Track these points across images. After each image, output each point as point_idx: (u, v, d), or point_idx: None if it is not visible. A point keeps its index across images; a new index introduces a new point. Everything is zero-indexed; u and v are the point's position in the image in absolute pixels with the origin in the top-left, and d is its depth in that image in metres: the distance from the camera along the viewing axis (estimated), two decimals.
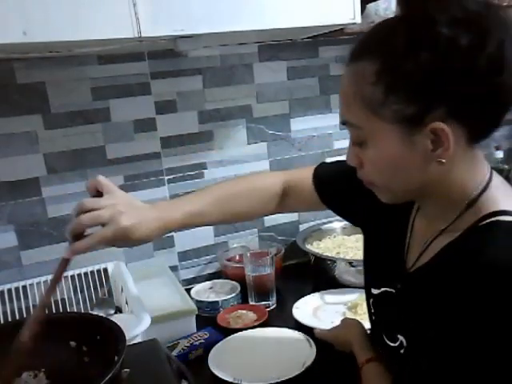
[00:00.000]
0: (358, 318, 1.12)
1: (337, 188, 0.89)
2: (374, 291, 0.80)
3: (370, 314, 0.84)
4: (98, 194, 0.75)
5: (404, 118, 0.59)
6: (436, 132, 0.58)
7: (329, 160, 1.53)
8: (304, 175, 0.93)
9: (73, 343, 0.79)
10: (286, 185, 0.93)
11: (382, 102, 0.59)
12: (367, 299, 0.84)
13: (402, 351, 0.69)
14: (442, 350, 0.59)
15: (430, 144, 0.60)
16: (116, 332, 0.73)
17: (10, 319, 1.20)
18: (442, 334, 0.59)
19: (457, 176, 0.63)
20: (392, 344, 0.72)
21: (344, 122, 0.66)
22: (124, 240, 0.73)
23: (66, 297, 1.26)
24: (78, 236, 0.72)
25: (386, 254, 0.78)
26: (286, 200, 0.93)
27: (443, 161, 0.61)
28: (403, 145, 0.61)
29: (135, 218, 0.73)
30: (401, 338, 0.69)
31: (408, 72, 0.57)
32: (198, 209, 0.82)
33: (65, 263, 0.74)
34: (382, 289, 0.77)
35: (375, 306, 0.81)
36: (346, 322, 0.96)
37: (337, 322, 1.09)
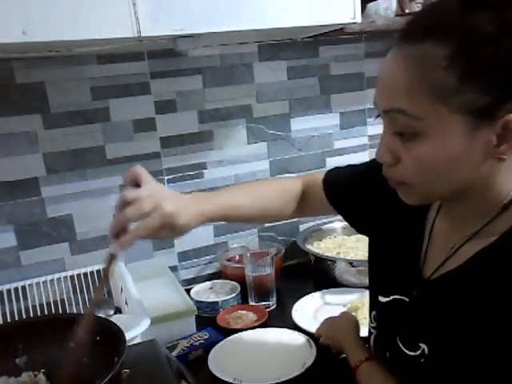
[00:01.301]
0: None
1: (346, 192, 0.87)
2: (382, 299, 0.76)
3: (375, 322, 0.79)
4: (136, 185, 0.74)
5: (475, 109, 0.53)
6: (508, 126, 0.54)
7: (329, 160, 1.56)
8: (317, 179, 0.92)
9: (72, 344, 0.79)
10: (304, 187, 0.93)
11: (454, 91, 0.53)
12: (372, 307, 0.80)
13: (422, 360, 0.64)
14: (474, 357, 0.57)
15: (495, 139, 0.55)
16: (116, 332, 0.73)
17: (9, 320, 1.19)
18: (477, 342, 0.57)
19: (502, 175, 0.59)
20: (411, 353, 0.66)
21: (385, 111, 0.59)
22: (170, 226, 0.72)
23: (65, 297, 1.26)
24: (121, 231, 0.71)
25: (397, 260, 0.74)
26: (303, 203, 0.93)
27: (504, 157, 0.56)
28: (465, 139, 0.55)
29: (177, 204, 0.72)
30: (423, 346, 0.64)
31: (489, 58, 0.52)
32: (233, 204, 0.83)
33: (112, 259, 0.72)
34: (392, 296, 0.73)
35: (383, 314, 0.77)
36: (342, 316, 0.96)
37: None
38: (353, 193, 0.85)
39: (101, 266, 1.27)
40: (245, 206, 0.85)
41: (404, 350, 0.68)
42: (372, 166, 0.82)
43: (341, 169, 0.92)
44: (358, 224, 0.90)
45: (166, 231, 0.73)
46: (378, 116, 0.63)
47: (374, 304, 0.80)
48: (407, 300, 0.70)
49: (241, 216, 0.86)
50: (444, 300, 0.64)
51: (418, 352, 0.65)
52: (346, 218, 0.91)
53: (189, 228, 0.75)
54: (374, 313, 0.79)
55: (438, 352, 0.62)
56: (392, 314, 0.73)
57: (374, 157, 1.60)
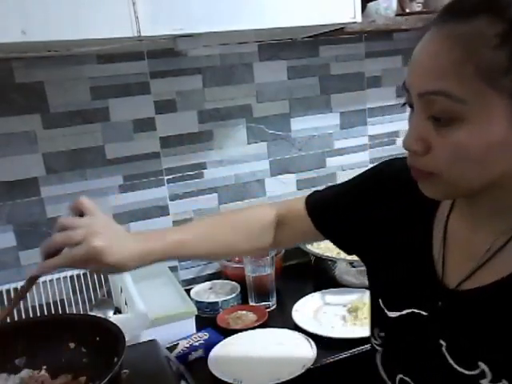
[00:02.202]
0: (358, 322, 1.12)
1: (333, 214, 0.81)
2: (392, 314, 0.69)
3: (380, 339, 0.73)
4: (81, 214, 0.72)
5: None
6: None
7: (329, 160, 1.56)
8: (296, 205, 0.85)
9: (72, 344, 0.79)
10: (279, 215, 0.86)
11: (505, 71, 0.50)
12: (376, 324, 0.74)
13: (483, 382, 0.57)
14: None
15: None
16: (115, 333, 0.73)
17: (8, 320, 1.19)
18: None
19: None
20: (466, 372, 0.59)
21: (423, 94, 0.54)
22: (96, 262, 0.67)
23: (64, 297, 1.26)
24: (53, 254, 0.69)
25: (408, 271, 0.69)
26: (280, 232, 0.85)
27: None
28: (508, 126, 0.51)
29: (109, 241, 0.67)
30: (482, 366, 0.57)
31: None
32: (183, 238, 0.77)
33: (33, 281, 0.71)
34: (406, 310, 0.67)
35: (394, 330, 0.70)
36: None
37: (337, 327, 1.09)
38: (339, 211, 0.80)
39: None
40: (200, 241, 0.79)
41: (457, 367, 0.60)
42: (357, 184, 0.80)
43: (323, 192, 0.86)
44: (349, 246, 0.84)
45: (92, 265, 0.69)
46: (404, 104, 0.59)
47: (378, 320, 0.74)
48: (425, 314, 0.65)
49: (196, 253, 0.81)
50: (488, 314, 0.58)
51: (477, 371, 0.58)
52: (334, 242, 0.85)
53: (126, 267, 0.70)
54: (377, 330, 0.73)
55: (501, 371, 0.56)
56: (407, 330, 0.67)
57: (373, 157, 1.60)
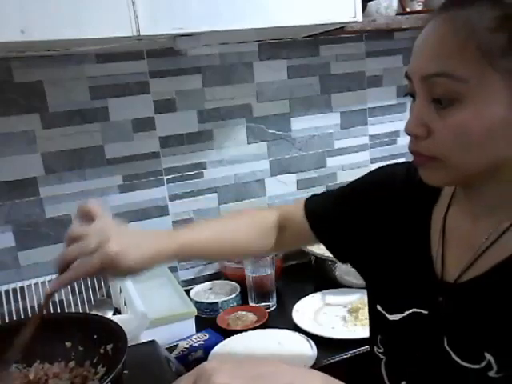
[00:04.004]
0: (358, 322, 1.12)
1: (331, 221, 0.82)
2: (394, 317, 0.69)
3: (383, 346, 0.71)
4: (89, 219, 0.70)
5: None
6: None
7: (329, 160, 1.55)
8: (296, 210, 0.86)
9: (68, 344, 0.79)
10: (281, 218, 0.87)
11: (503, 52, 0.52)
12: (377, 331, 0.73)
13: (490, 373, 0.56)
14: None
15: None
16: (117, 333, 0.72)
17: (7, 320, 1.19)
18: None
19: None
20: (472, 366, 0.58)
21: (426, 77, 0.56)
22: (113, 268, 0.66)
23: (64, 298, 1.26)
24: (67, 266, 0.67)
25: (406, 271, 0.69)
26: (283, 235, 0.86)
27: None
28: (508, 107, 0.53)
29: (124, 244, 0.66)
30: (488, 356, 0.56)
31: None
32: (195, 239, 0.76)
33: (49, 298, 0.70)
34: (408, 311, 0.67)
35: (397, 334, 0.69)
36: None
37: (337, 327, 1.08)
38: (340, 219, 0.80)
39: None
40: (211, 243, 0.79)
41: (461, 361, 0.60)
42: (354, 190, 0.81)
43: (320, 196, 0.87)
44: (344, 254, 0.85)
45: (109, 272, 0.68)
46: (406, 94, 0.61)
47: (379, 327, 0.73)
48: (426, 312, 0.65)
49: (207, 254, 0.82)
50: (490, 301, 0.58)
51: (483, 364, 0.57)
52: (329, 248, 0.85)
53: (139, 270, 0.69)
54: (379, 337, 0.72)
55: (506, 361, 0.56)
56: (410, 331, 0.67)
57: (374, 156, 1.60)
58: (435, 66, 0.55)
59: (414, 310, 0.66)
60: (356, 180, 0.83)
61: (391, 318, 0.69)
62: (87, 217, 0.70)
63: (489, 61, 0.52)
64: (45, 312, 0.71)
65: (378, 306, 0.72)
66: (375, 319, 0.74)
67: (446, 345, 0.61)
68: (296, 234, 0.87)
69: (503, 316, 0.56)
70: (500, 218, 0.59)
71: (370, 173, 0.82)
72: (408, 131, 0.59)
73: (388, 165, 0.81)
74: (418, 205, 0.70)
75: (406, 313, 0.67)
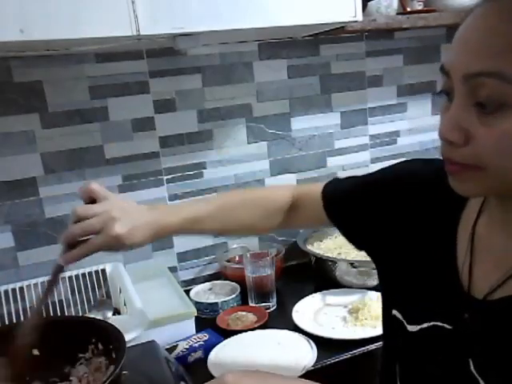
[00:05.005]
0: (358, 323, 1.12)
1: (347, 206, 0.78)
2: (412, 328, 0.63)
3: (399, 353, 0.67)
4: (92, 200, 0.73)
5: None
6: None
7: (329, 159, 1.55)
8: (314, 190, 0.83)
9: (70, 345, 0.78)
10: (294, 199, 0.85)
11: None
12: (393, 338, 0.68)
13: None
14: None
15: None
16: (115, 334, 0.72)
17: (6, 321, 1.18)
18: None
19: None
20: None
21: (469, 76, 0.48)
22: (118, 246, 0.70)
23: (63, 298, 1.25)
24: (73, 243, 0.70)
25: (429, 280, 0.63)
26: (292, 214, 0.85)
27: None
28: None
29: (129, 224, 0.69)
30: None
31: None
32: (198, 214, 0.78)
33: (59, 269, 0.72)
34: (428, 324, 0.61)
35: (413, 345, 0.64)
36: None
37: (337, 328, 1.07)
38: (356, 207, 0.76)
39: (100, 267, 1.27)
40: (213, 218, 0.80)
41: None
42: (377, 179, 0.76)
43: (341, 181, 0.83)
44: (359, 241, 0.80)
45: (114, 249, 0.71)
46: (440, 92, 0.53)
47: (395, 334, 0.68)
48: (449, 327, 0.59)
49: (209, 229, 0.83)
50: None
51: None
52: (345, 234, 0.81)
53: (143, 245, 0.73)
54: (393, 344, 0.69)
55: None
56: (430, 346, 0.61)
57: (374, 156, 1.60)
58: (483, 63, 0.46)
59: (436, 323, 0.60)
60: (380, 170, 0.78)
61: (409, 328, 0.64)
62: (90, 197, 0.72)
63: None
64: (56, 284, 0.75)
65: (395, 312, 0.67)
66: (390, 325, 0.69)
67: (472, 368, 0.56)
68: (308, 213, 0.85)
69: None
70: None
71: (397, 165, 0.76)
72: (442, 136, 0.51)
73: (417, 160, 0.75)
74: (445, 208, 0.64)
75: (426, 325, 0.61)
